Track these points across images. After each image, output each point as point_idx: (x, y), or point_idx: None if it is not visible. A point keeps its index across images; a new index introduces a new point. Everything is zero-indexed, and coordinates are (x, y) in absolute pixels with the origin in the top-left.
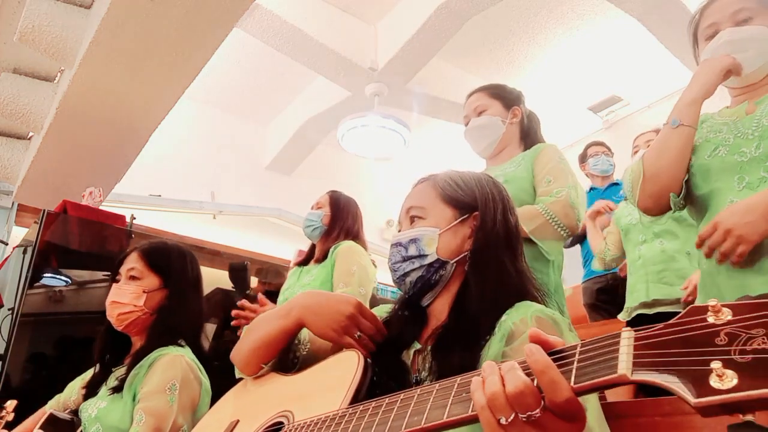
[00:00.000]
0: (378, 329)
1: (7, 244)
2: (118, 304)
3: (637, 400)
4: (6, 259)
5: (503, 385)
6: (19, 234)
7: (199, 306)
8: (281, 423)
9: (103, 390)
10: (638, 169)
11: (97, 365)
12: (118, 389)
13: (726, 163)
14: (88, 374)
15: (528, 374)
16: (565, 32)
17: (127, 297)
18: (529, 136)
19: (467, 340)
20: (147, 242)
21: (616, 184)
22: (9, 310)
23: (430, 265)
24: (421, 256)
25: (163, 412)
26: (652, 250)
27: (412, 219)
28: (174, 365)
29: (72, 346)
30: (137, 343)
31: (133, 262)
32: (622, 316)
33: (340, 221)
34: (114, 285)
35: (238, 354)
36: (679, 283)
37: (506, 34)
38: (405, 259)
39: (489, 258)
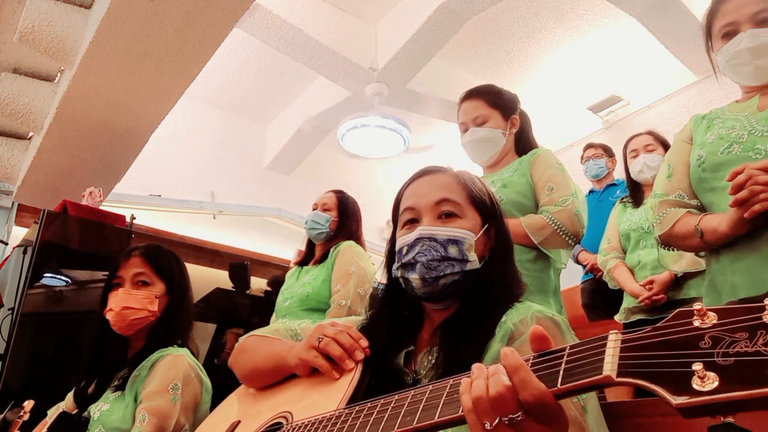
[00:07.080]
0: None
1: (7, 244)
2: (132, 310)
3: (637, 400)
4: (6, 259)
5: (488, 388)
6: (19, 234)
7: (192, 308)
8: (280, 423)
9: (106, 393)
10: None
11: (93, 371)
12: (120, 387)
13: (740, 159)
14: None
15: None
16: (565, 32)
17: (141, 302)
18: (522, 139)
19: (475, 335)
20: (144, 246)
21: (615, 184)
22: (9, 310)
23: (470, 272)
24: (464, 260)
25: (166, 411)
26: (650, 255)
27: (445, 214)
28: (176, 365)
29: (72, 346)
30: (136, 344)
31: (139, 267)
32: (619, 317)
33: (346, 227)
34: (121, 290)
35: (236, 370)
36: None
37: (506, 34)
38: (444, 259)
39: (503, 266)
